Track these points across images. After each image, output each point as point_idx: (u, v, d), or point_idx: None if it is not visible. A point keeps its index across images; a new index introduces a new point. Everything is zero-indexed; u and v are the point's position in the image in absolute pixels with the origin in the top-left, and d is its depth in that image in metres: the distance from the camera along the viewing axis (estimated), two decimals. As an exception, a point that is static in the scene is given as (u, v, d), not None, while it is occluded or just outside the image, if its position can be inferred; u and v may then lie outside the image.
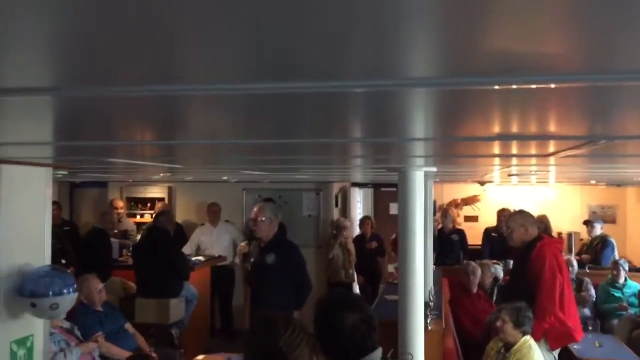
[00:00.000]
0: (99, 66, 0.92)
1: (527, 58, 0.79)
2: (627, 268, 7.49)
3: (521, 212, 5.13)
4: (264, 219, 4.98)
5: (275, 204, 6.11)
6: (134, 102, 1.25)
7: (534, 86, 0.93)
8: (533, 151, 2.47)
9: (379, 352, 2.18)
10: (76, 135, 2.02)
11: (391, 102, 1.19)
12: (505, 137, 1.83)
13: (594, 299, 7.33)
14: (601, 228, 8.58)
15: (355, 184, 10.00)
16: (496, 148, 2.34)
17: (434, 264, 7.39)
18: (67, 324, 5.01)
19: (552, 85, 0.92)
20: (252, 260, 5.26)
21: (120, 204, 9.11)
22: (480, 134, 1.83)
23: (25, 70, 0.97)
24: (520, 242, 4.90)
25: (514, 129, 1.62)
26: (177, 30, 0.73)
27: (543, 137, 1.86)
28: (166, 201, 9.22)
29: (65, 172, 3.78)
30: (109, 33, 0.73)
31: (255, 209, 5.16)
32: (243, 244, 6.40)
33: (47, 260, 2.94)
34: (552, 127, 1.62)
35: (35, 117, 1.53)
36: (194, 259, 7.68)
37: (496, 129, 1.62)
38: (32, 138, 2.03)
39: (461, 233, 8.92)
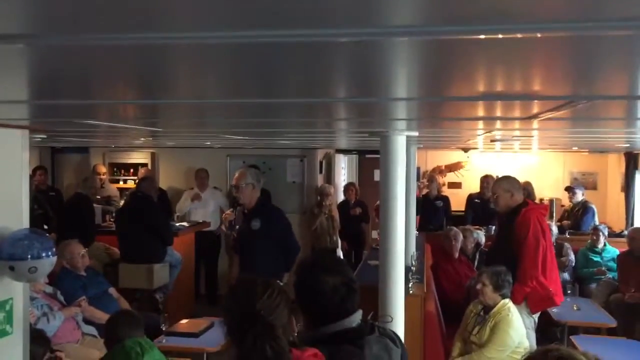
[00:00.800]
0: (76, 10, 0.88)
1: (513, 5, 0.78)
2: (606, 233, 7.60)
3: (507, 178, 5.17)
4: (246, 184, 4.96)
5: (257, 170, 6.04)
6: (112, 52, 1.21)
7: (520, 35, 0.91)
8: (517, 113, 2.47)
9: (358, 314, 2.19)
10: (53, 92, 1.97)
11: (373, 55, 1.17)
12: (488, 97, 1.81)
13: (574, 264, 7.45)
14: (582, 194, 8.68)
15: (339, 151, 9.99)
16: (480, 110, 2.33)
17: (418, 229, 7.45)
18: (50, 289, 5.00)
19: (539, 35, 0.91)
20: (237, 227, 5.26)
21: (102, 169, 9.03)
22: (464, 93, 1.81)
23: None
24: (506, 208, 4.95)
25: (498, 87, 1.61)
26: None
27: (526, 97, 1.85)
28: (149, 167, 9.15)
29: (44, 136, 3.71)
30: None
31: (236, 175, 5.13)
32: (228, 211, 6.39)
33: (25, 224, 2.90)
34: (536, 86, 1.61)
35: (8, 70, 1.48)
36: (177, 224, 7.67)
37: (480, 87, 1.60)
38: (6, 96, 1.98)
39: (445, 199, 8.98)
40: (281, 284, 2.29)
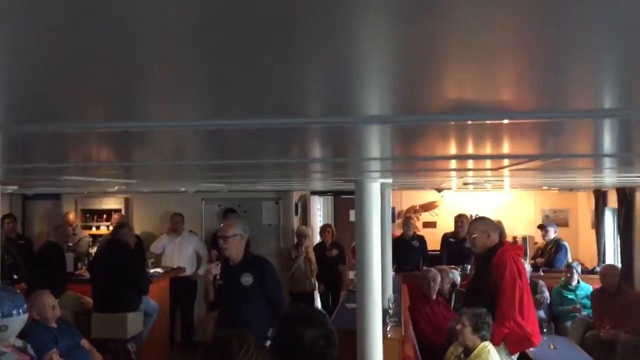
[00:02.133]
0: (49, 105, 0.90)
1: (480, 101, 0.82)
2: (579, 270, 7.70)
3: (483, 219, 5.24)
4: (234, 235, 4.67)
5: (243, 220, 5.74)
6: (85, 136, 1.23)
7: (488, 122, 0.95)
8: (488, 165, 2.53)
9: (339, 364, 2.19)
10: (26, 159, 1.97)
11: (349, 133, 1.21)
12: (460, 157, 1.86)
13: (548, 302, 7.51)
14: (555, 232, 8.81)
15: (314, 192, 10.01)
16: (452, 164, 2.38)
17: (394, 270, 7.45)
18: (19, 342, 4.83)
19: (506, 121, 0.95)
20: (220, 281, 4.88)
21: (72, 218, 8.88)
22: (436, 154, 1.86)
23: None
24: (483, 248, 4.99)
25: (469, 150, 1.66)
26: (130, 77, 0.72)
27: (496, 157, 1.90)
28: (123, 212, 9.05)
29: (15, 187, 3.67)
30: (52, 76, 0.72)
31: (223, 226, 4.85)
32: (214, 264, 6.05)
33: (-4, 280, 2.85)
34: (505, 149, 1.66)
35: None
36: (152, 271, 7.56)
37: (452, 151, 1.65)
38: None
39: (421, 239, 9.02)
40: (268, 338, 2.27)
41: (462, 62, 0.66)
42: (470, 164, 2.39)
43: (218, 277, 4.96)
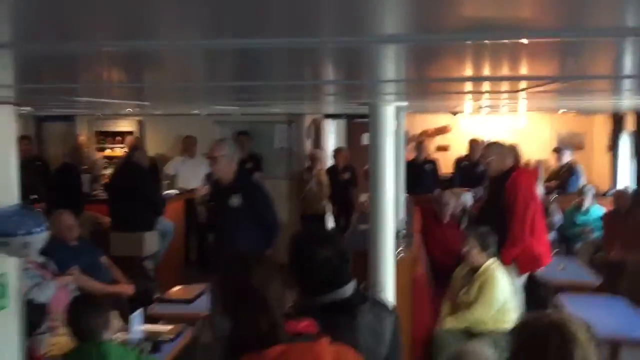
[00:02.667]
0: (58, 21, 0.89)
1: (498, 19, 0.79)
2: (593, 194, 7.69)
3: (498, 143, 5.24)
4: (221, 156, 4.56)
5: (232, 141, 5.54)
6: (97, 55, 1.21)
7: (505, 41, 0.92)
8: (504, 88, 2.48)
9: (351, 284, 2.24)
10: (38, 79, 1.96)
11: (363, 54, 1.18)
12: (476, 79, 1.82)
13: (560, 224, 7.57)
14: (570, 155, 8.75)
15: (327, 116, 9.95)
16: (468, 86, 2.34)
17: (406, 193, 7.49)
18: (41, 259, 5.01)
19: (524, 41, 0.92)
20: (207, 203, 4.85)
21: (84, 139, 8.95)
22: (452, 76, 1.82)
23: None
24: (498, 171, 5.03)
25: (486, 72, 1.62)
26: None
27: (513, 79, 1.86)
28: (136, 134, 9.10)
29: (29, 108, 3.68)
30: None
31: (212, 145, 4.75)
32: (201, 186, 5.96)
33: (16, 199, 2.91)
34: (522, 71, 1.62)
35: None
36: (166, 192, 7.67)
37: (468, 72, 1.61)
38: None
39: (434, 163, 9.01)
40: None
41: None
42: (486, 86, 2.34)
43: (208, 198, 4.92)
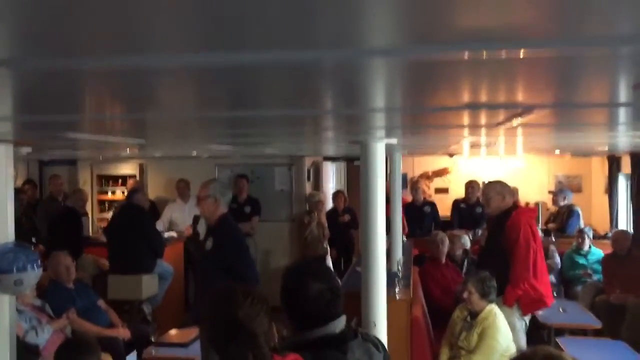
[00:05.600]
0: (57, 36, 0.91)
1: (497, 27, 0.80)
2: (591, 236, 7.69)
3: (499, 181, 5.27)
4: (206, 196, 4.47)
5: (224, 182, 5.48)
6: (95, 75, 1.25)
7: (503, 54, 0.93)
8: (500, 117, 2.51)
9: (342, 319, 2.24)
10: (36, 109, 2.01)
11: (355, 75, 1.19)
12: (470, 107, 1.85)
13: (559, 267, 7.53)
14: (565, 198, 8.76)
15: (327, 158, 10.04)
16: (461, 118, 2.38)
17: (406, 236, 7.50)
18: (38, 302, 5.00)
19: (521, 54, 0.94)
20: (191, 240, 4.85)
21: (85, 187, 9.02)
22: (444, 104, 1.86)
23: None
24: (497, 210, 5.02)
25: (481, 99, 1.64)
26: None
27: (509, 106, 1.88)
28: (137, 178, 9.17)
29: (29, 150, 3.74)
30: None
31: (200, 187, 4.68)
32: (188, 226, 5.94)
33: (10, 236, 2.94)
34: (518, 95, 1.64)
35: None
36: (166, 235, 7.69)
37: (462, 99, 1.64)
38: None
39: (433, 205, 9.04)
40: None
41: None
42: (482, 118, 2.37)
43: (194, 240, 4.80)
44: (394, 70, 1.27)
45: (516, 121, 2.44)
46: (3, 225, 2.90)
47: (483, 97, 1.78)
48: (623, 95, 1.75)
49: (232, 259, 4.40)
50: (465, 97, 1.76)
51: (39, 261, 2.82)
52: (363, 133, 3.21)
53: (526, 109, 2.09)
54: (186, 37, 0.96)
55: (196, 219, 5.20)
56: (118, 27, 0.89)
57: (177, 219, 8.28)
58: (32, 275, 2.76)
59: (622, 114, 2.47)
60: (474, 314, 4.50)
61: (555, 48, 0.99)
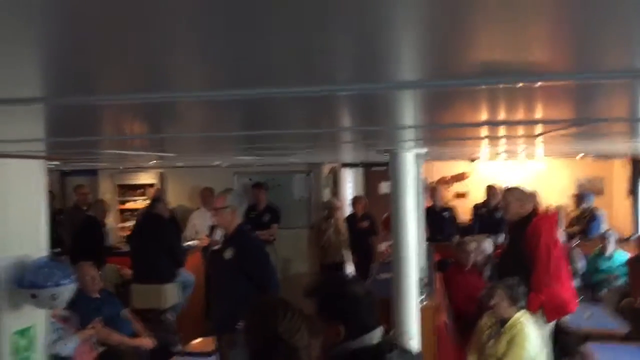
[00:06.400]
0: (85, 78, 0.95)
1: (512, 63, 0.83)
2: (615, 239, 7.60)
3: (519, 188, 5.23)
4: (224, 207, 4.48)
5: (240, 192, 5.43)
6: (122, 107, 1.29)
7: (520, 85, 0.97)
8: (520, 132, 2.53)
9: (379, 330, 2.21)
10: (67, 132, 2.05)
11: (381, 99, 1.23)
12: (492, 124, 1.87)
13: (584, 271, 7.46)
14: (589, 200, 8.68)
15: (345, 165, 10.04)
16: (484, 131, 2.39)
17: (426, 240, 7.46)
18: (64, 313, 5.04)
19: (538, 84, 0.96)
20: (210, 250, 4.80)
21: (108, 198, 9.08)
22: (469, 121, 1.87)
23: (19, 83, 1.01)
24: (516, 216, 4.99)
25: (502, 116, 1.67)
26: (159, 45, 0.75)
27: (529, 122, 1.90)
28: (157, 187, 9.24)
29: (57, 163, 3.80)
30: (94, 50, 0.76)
31: (216, 197, 4.70)
32: (205, 236, 5.93)
33: (45, 251, 2.97)
34: (538, 114, 1.66)
35: (29, 119, 1.56)
36: (187, 243, 7.73)
37: (484, 117, 1.66)
38: (27, 135, 2.06)
39: (452, 210, 9.00)
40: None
41: (494, 21, 0.67)
42: (503, 131, 2.39)
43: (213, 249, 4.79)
44: (417, 99, 1.30)
45: (537, 138, 2.44)
46: (37, 240, 2.94)
47: (501, 116, 1.80)
48: None
49: (253, 268, 4.42)
50: (484, 115, 1.78)
51: (73, 276, 2.85)
52: (392, 144, 3.22)
53: (547, 126, 2.09)
54: (211, 78, 0.99)
55: (212, 229, 5.17)
56: (147, 73, 0.92)
57: (199, 227, 8.33)
58: (67, 289, 2.79)
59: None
60: (503, 321, 4.46)
61: (571, 80, 1.00)
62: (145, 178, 9.43)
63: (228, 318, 4.10)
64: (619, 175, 9.91)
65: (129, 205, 9.56)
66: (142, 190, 9.46)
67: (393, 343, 2.26)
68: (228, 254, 4.43)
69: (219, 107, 1.42)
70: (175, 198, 9.16)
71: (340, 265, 8.48)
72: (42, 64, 0.89)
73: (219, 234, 5.06)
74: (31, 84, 1.04)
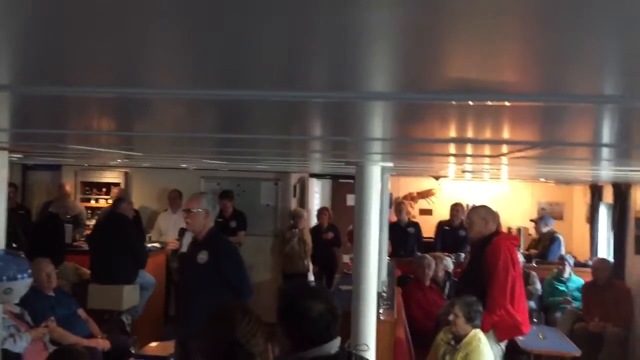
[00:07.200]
0: (52, 66, 0.94)
1: (483, 82, 0.86)
2: (572, 263, 7.78)
3: (484, 206, 5.29)
4: (199, 210, 4.42)
5: (213, 196, 5.41)
6: (91, 101, 1.27)
7: (489, 103, 0.99)
8: (486, 151, 2.58)
9: (337, 341, 2.25)
10: (31, 124, 2.01)
11: (351, 110, 1.25)
12: (462, 141, 1.91)
13: (540, 293, 7.60)
14: (546, 225, 8.86)
15: (313, 175, 10.07)
16: (452, 148, 2.44)
17: (389, 256, 7.52)
18: (17, 309, 4.92)
19: (507, 103, 0.99)
20: (179, 257, 4.72)
21: (69, 188, 8.92)
22: (436, 136, 1.91)
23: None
24: (479, 235, 5.04)
25: (469, 134, 1.71)
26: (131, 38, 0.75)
27: (495, 142, 1.95)
28: (122, 186, 9.10)
29: (20, 156, 3.72)
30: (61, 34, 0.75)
31: (189, 199, 4.67)
32: (174, 239, 5.82)
33: (1, 244, 2.91)
34: (504, 134, 1.71)
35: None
36: (149, 245, 7.63)
37: (452, 133, 1.70)
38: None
39: (417, 226, 9.08)
40: None
41: (466, 40, 0.69)
42: (470, 149, 2.44)
43: (179, 253, 4.73)
44: (387, 111, 1.32)
45: (502, 159, 2.49)
46: (-6, 233, 2.87)
47: (469, 133, 1.84)
48: (606, 137, 1.81)
49: (229, 272, 4.39)
50: (453, 132, 1.82)
51: (29, 271, 2.79)
52: (359, 156, 3.25)
53: (512, 146, 2.15)
54: (182, 77, 1.00)
55: (182, 232, 5.12)
56: (117, 65, 0.92)
57: (164, 229, 8.24)
58: (22, 284, 2.73)
59: (606, 152, 2.54)
60: (459, 338, 4.52)
61: (539, 102, 1.04)
62: (110, 177, 9.29)
63: (202, 323, 4.05)
64: (579, 201, 10.16)
65: (92, 203, 9.39)
66: (105, 189, 9.30)
67: (350, 353, 2.28)
68: (202, 257, 4.37)
69: (189, 107, 1.42)
70: (139, 199, 9.04)
71: (303, 275, 8.48)
72: (8, 49, 0.87)
73: (188, 238, 5.04)
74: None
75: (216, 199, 7.52)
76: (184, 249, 4.89)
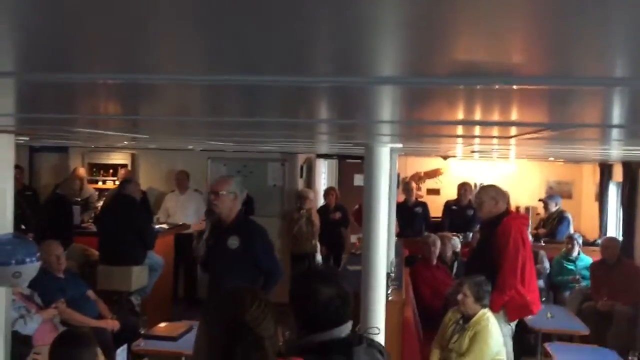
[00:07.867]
0: (58, 54, 0.92)
1: (490, 65, 0.84)
2: (581, 242, 7.76)
3: (493, 186, 5.27)
4: (227, 192, 4.33)
5: (241, 179, 5.37)
6: (96, 86, 1.25)
7: (497, 87, 0.98)
8: (495, 133, 2.56)
9: (348, 325, 2.26)
10: (38, 109, 2.00)
11: (360, 94, 1.23)
12: (468, 122, 1.89)
13: (548, 272, 7.60)
14: (556, 204, 8.83)
15: (320, 155, 10.04)
16: (461, 130, 2.41)
17: (397, 236, 7.53)
18: (27, 291, 4.96)
19: (514, 87, 0.97)
20: (207, 241, 4.62)
21: (82, 172, 8.96)
22: (445, 119, 1.89)
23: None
24: (488, 214, 5.03)
25: (477, 116, 1.68)
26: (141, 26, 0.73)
27: (503, 124, 1.92)
28: (129, 168, 9.12)
29: (26, 138, 3.72)
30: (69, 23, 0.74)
31: (217, 180, 4.59)
32: (202, 221, 5.69)
33: (9, 228, 2.91)
34: (513, 117, 1.68)
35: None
36: (157, 227, 7.65)
37: (460, 116, 1.67)
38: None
39: (424, 206, 9.06)
40: None
41: (473, 23, 0.67)
42: (478, 131, 2.41)
43: (206, 236, 4.66)
44: (396, 95, 1.30)
45: (511, 140, 2.46)
46: (3, 217, 2.88)
47: (478, 116, 1.82)
48: (615, 118, 1.78)
49: (262, 256, 4.37)
50: (462, 115, 1.80)
51: (38, 254, 2.80)
52: (368, 138, 3.23)
53: (521, 128, 2.12)
54: (191, 62, 0.98)
55: (210, 213, 4.87)
56: (124, 48, 0.90)
57: (171, 210, 8.26)
58: (31, 267, 2.74)
59: (615, 133, 2.51)
60: (467, 317, 4.53)
61: (548, 85, 1.02)
62: (117, 158, 9.30)
63: (210, 305, 4.05)
64: (588, 180, 10.10)
65: (99, 185, 9.42)
66: (113, 170, 9.32)
67: (361, 336, 2.28)
68: (233, 242, 4.32)
69: (195, 92, 1.40)
70: (146, 180, 9.06)
71: (310, 256, 8.50)
72: (13, 37, 0.86)
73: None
74: (1, 58, 1.01)
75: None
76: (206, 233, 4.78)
